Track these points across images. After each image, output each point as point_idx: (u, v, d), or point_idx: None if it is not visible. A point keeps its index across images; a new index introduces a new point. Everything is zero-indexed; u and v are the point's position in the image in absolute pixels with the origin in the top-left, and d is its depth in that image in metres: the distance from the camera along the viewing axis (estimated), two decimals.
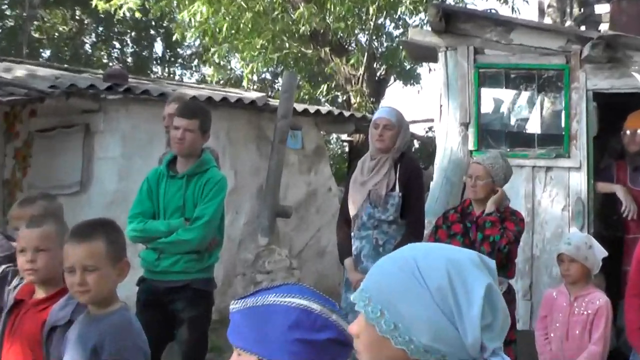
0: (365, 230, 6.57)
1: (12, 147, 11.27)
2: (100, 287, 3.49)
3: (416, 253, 1.94)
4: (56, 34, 28.58)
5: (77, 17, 28.47)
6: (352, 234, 6.69)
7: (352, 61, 16.97)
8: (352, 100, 16.73)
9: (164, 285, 5.87)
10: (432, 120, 11.49)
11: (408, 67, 21.50)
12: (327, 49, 17.08)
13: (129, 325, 3.57)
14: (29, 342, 3.94)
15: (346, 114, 13.03)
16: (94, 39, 30.12)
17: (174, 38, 19.76)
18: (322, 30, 16.50)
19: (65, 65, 15.93)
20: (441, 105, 9.32)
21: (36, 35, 27.29)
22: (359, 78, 16.84)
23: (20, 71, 11.51)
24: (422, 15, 17.89)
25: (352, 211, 6.67)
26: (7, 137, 11.36)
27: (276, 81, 25.14)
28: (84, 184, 10.05)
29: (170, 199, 5.98)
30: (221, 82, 22.04)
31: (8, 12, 27.45)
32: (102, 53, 29.35)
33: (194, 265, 5.89)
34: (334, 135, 18.49)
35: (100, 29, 29.44)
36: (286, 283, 2.41)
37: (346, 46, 17.94)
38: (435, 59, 9.54)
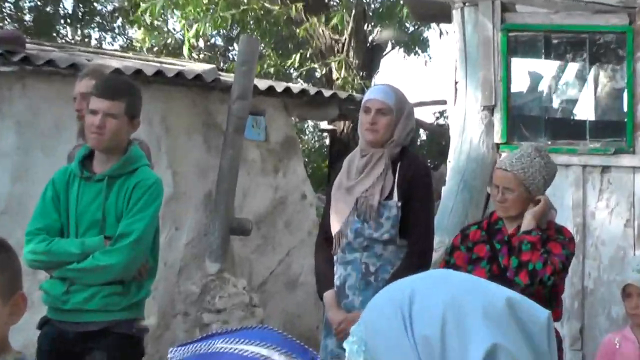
0: (351, 252, 6.42)
1: None
2: None
3: (419, 286, 1.89)
4: None
5: None
6: (335, 257, 6.54)
7: (334, 21, 16.85)
8: (335, 75, 16.65)
9: (76, 329, 5.81)
10: (444, 103, 11.35)
11: (411, 29, 21.44)
12: (299, 4, 16.90)
13: None
14: None
15: (326, 93, 12.82)
16: None
17: None
18: None
19: None
20: (456, 82, 9.25)
21: None
22: (343, 45, 16.75)
23: None
24: None
25: (334, 227, 6.52)
26: None
27: (230, 48, 25.13)
28: None
29: (84, 210, 5.90)
30: (155, 49, 22.04)
31: None
32: None
33: (118, 301, 5.82)
34: (310, 123, 18.39)
35: None
36: (244, 327, 2.48)
37: (326, 1, 17.83)
38: (448, 19, 9.49)
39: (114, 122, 5.79)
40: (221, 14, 16.69)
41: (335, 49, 16.76)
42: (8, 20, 28.13)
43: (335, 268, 6.52)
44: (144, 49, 21.16)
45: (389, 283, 2.30)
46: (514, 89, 8.87)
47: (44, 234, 5.82)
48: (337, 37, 16.71)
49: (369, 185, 6.39)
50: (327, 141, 20.63)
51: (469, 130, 8.79)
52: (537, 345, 1.78)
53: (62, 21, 30.20)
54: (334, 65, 16.68)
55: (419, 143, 20.76)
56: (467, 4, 8.88)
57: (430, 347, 1.75)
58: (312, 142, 25.50)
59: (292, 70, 19.60)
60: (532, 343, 1.78)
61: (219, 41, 24.79)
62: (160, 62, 12.20)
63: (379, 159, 6.41)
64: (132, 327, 5.88)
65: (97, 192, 5.88)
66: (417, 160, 6.88)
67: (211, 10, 16.78)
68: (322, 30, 16.62)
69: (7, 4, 29.61)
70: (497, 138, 8.67)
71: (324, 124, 16.67)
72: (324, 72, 17.28)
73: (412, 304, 1.81)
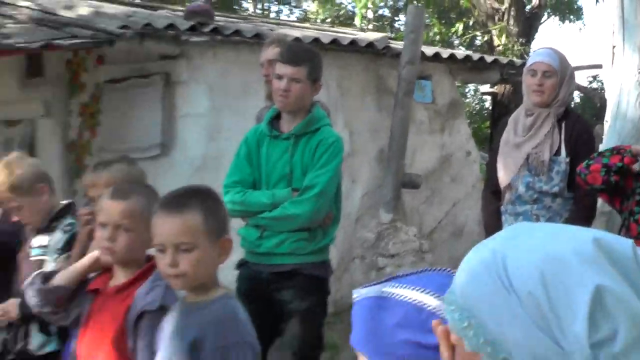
0: (522, 204, 6.44)
1: (77, 102, 11.47)
2: (197, 270, 3.53)
3: (507, 246, 1.76)
4: None
5: None
6: (503, 208, 6.57)
7: None
8: (496, 42, 16.52)
9: (269, 270, 5.91)
10: (599, 67, 11.10)
11: None
12: None
13: (234, 316, 3.62)
14: (112, 332, 4.04)
15: (488, 59, 12.82)
16: None
17: None
18: None
19: (138, 1, 16.14)
20: (614, 47, 9.07)
21: None
22: (503, 13, 16.61)
23: (83, 8, 11.48)
24: None
25: (503, 181, 6.53)
26: (71, 90, 11.54)
27: (397, 19, 25.07)
28: (166, 146, 10.22)
29: (274, 165, 5.96)
30: (328, 20, 22.10)
31: None
32: None
33: (305, 246, 5.88)
34: (472, 87, 18.27)
35: None
36: (421, 270, 2.37)
37: None
38: None
39: (298, 85, 5.82)
40: None
41: (496, 18, 16.58)
42: None
43: (503, 219, 6.54)
44: (318, 20, 21.23)
45: None
46: None
47: (240, 187, 5.93)
48: (497, 6, 16.51)
49: (538, 142, 6.37)
50: (487, 104, 20.51)
51: (626, 92, 8.62)
52: (632, 276, 1.67)
53: None
54: (494, 33, 16.52)
55: (572, 105, 20.42)
56: None
57: (536, 301, 1.64)
58: (473, 104, 25.27)
59: (454, 38, 19.46)
60: (627, 277, 1.67)
61: (387, 12, 24.66)
62: (335, 32, 12.28)
63: (545, 118, 6.40)
64: (318, 269, 5.96)
65: (284, 149, 5.94)
66: (580, 119, 6.89)
67: None
68: (484, 0, 16.43)
69: None
70: None
71: (485, 88, 16.52)
72: (485, 39, 17.10)
73: (506, 265, 1.70)
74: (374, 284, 2.35)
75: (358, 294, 2.36)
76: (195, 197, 3.65)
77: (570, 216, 6.28)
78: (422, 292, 2.22)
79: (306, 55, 6.05)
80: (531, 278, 1.65)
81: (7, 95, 11.84)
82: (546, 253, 1.67)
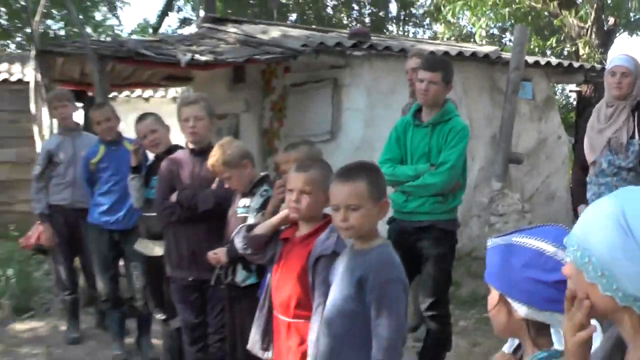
0: (604, 177, 6.32)
1: (269, 101, 11.68)
2: (362, 224, 3.52)
3: (626, 199, 1.79)
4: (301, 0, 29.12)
5: None
6: (589, 179, 6.44)
7: (580, 13, 16.36)
8: (581, 52, 16.12)
9: (412, 225, 5.87)
10: None
11: (635, 16, 20.72)
12: (555, 3, 16.47)
13: (389, 259, 3.59)
14: (297, 271, 4.10)
15: (575, 64, 12.57)
16: (335, 2, 30.45)
17: None
18: None
19: (314, 26, 16.24)
20: None
21: (283, 0, 27.87)
22: (587, 30, 16.24)
23: (274, 32, 11.78)
24: None
25: (590, 157, 6.40)
26: (265, 92, 11.79)
27: (504, 36, 24.67)
28: (334, 132, 10.27)
29: (416, 146, 5.92)
30: (451, 38, 21.86)
31: None
32: (342, 15, 29.64)
33: (439, 207, 5.83)
34: (560, 86, 17.82)
35: None
36: (540, 225, 2.37)
37: (576, 0, 17.29)
38: None
39: (435, 87, 5.79)
40: (500, 11, 16.48)
41: (581, 33, 16.25)
42: (354, 22, 28.47)
43: (588, 187, 6.42)
44: (444, 38, 21.03)
45: None
46: None
47: (390, 162, 5.92)
48: (582, 24, 16.17)
49: (617, 128, 6.27)
50: (572, 99, 20.10)
51: None
52: None
53: (390, 21, 30.30)
54: (580, 45, 16.16)
55: None
56: None
57: None
58: (561, 100, 24.80)
59: (548, 49, 19.05)
60: None
61: (496, 31, 24.28)
62: (460, 46, 12.11)
63: (622, 109, 6.28)
64: (449, 224, 5.91)
65: (424, 134, 5.90)
66: None
67: (494, 9, 16.56)
68: (572, 20, 16.09)
69: (354, 12, 30.00)
70: None
71: (572, 87, 16.17)
72: (573, 49, 16.70)
73: (626, 214, 1.73)
74: (504, 235, 2.37)
75: (491, 242, 2.38)
76: (362, 169, 3.64)
77: None
78: (541, 241, 2.24)
79: (441, 64, 6.03)
80: None
81: (218, 96, 12.09)
82: None
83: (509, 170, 10.40)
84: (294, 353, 4.07)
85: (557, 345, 2.21)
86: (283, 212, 4.40)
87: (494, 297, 2.34)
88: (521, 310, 2.25)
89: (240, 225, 4.78)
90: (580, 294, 1.85)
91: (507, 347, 2.51)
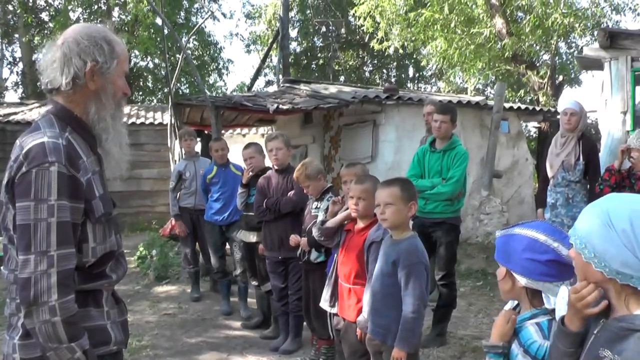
0: (559, 187, 6.32)
1: (328, 136, 11.55)
2: (394, 217, 3.53)
3: (610, 204, 1.83)
4: (348, 66, 29.15)
5: (360, 55, 28.95)
6: (549, 189, 6.41)
7: (540, 73, 16.19)
8: (540, 99, 15.81)
9: (429, 221, 5.77)
10: (595, 111, 10.80)
11: (573, 75, 20.80)
12: (523, 66, 16.19)
13: (416, 248, 3.57)
14: (356, 252, 4.13)
15: (537, 108, 12.29)
16: (371, 68, 30.45)
17: (421, 64, 19.74)
18: (520, 54, 15.65)
19: (359, 85, 16.26)
20: (606, 100, 8.70)
21: (336, 67, 27.95)
22: (544, 84, 15.97)
23: (332, 89, 11.82)
24: (587, 38, 16.93)
25: (549, 173, 6.38)
26: (326, 129, 11.66)
27: (487, 89, 24.31)
28: (373, 157, 10.14)
29: (432, 166, 5.84)
30: (450, 91, 21.67)
31: (319, 55, 28.33)
32: (376, 76, 29.62)
33: (448, 208, 5.75)
34: (526, 124, 17.53)
35: (375, 61, 29.84)
36: (532, 220, 2.43)
37: (536, 64, 17.01)
38: (600, 67, 8.90)
39: (445, 125, 5.73)
40: (486, 73, 16.37)
41: (540, 86, 15.98)
42: (384, 81, 28.36)
43: (548, 194, 6.40)
44: (445, 92, 20.87)
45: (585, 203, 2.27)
46: (637, 101, 8.34)
47: (414, 177, 5.79)
48: (541, 80, 15.94)
49: (568, 152, 6.26)
50: (534, 133, 19.78)
51: (613, 124, 8.36)
52: None
53: (408, 80, 30.18)
54: (539, 94, 15.89)
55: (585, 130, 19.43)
56: (612, 59, 8.46)
57: (626, 234, 1.74)
58: (527, 133, 24.39)
59: (517, 99, 18.77)
60: None
61: (480, 86, 23.91)
62: (458, 97, 11.91)
63: (572, 138, 6.29)
64: (455, 220, 5.82)
65: (437, 158, 5.81)
66: (590, 139, 6.67)
67: (482, 72, 16.43)
68: (534, 78, 15.87)
69: (384, 74, 29.96)
70: (628, 127, 8.20)
71: (534, 124, 15.86)
72: (535, 98, 16.40)
73: (609, 214, 1.79)
74: (508, 228, 2.41)
75: (499, 233, 2.42)
76: (398, 180, 3.73)
77: (588, 193, 6.19)
78: (535, 231, 2.29)
79: (449, 109, 5.99)
80: (624, 220, 1.75)
81: (294, 133, 12.09)
82: (632, 209, 1.77)
83: (493, 182, 10.21)
84: (352, 309, 4.13)
85: (547, 305, 2.27)
86: (346, 212, 4.42)
87: (501, 271, 2.36)
88: (522, 280, 2.29)
89: (314, 221, 4.88)
90: (580, 271, 1.89)
91: (508, 306, 2.45)
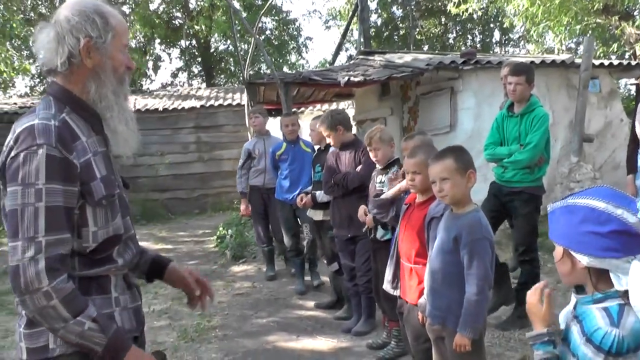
0: None
1: (406, 106, 11.20)
2: (453, 192, 3.22)
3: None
4: (430, 34, 28.43)
5: (442, 23, 28.19)
6: None
7: (637, 23, 14.95)
8: (637, 53, 14.68)
9: (507, 190, 5.40)
10: None
11: None
12: (616, 17, 14.98)
13: (479, 223, 3.22)
14: (417, 229, 3.82)
15: (633, 63, 11.33)
16: (454, 35, 29.59)
17: (504, 25, 18.86)
18: (612, 3, 14.46)
19: (436, 52, 15.70)
20: None
21: (418, 37, 27.31)
22: None
23: (407, 58, 11.42)
24: None
25: (639, 134, 5.63)
26: (403, 100, 11.29)
27: (578, 49, 23.05)
28: (452, 126, 9.68)
29: (510, 132, 5.44)
30: (539, 53, 20.69)
31: (400, 25, 27.75)
32: (461, 43, 28.71)
33: (528, 177, 5.33)
34: (622, 81, 16.38)
35: (458, 27, 28.98)
36: (589, 187, 2.08)
37: (632, 13, 15.76)
38: None
39: (520, 87, 5.29)
40: (573, 29, 15.30)
41: (638, 38, 14.82)
42: (469, 47, 27.43)
43: (638, 157, 5.55)
44: (535, 54, 19.88)
45: None
46: None
47: (492, 145, 5.51)
48: (638, 32, 14.75)
49: None
50: (633, 89, 18.59)
51: None
52: None
53: (495, 45, 29.08)
54: (636, 48, 14.73)
55: None
56: None
57: None
58: (623, 92, 22.90)
59: (612, 54, 17.46)
60: None
61: (572, 45, 22.66)
62: (543, 57, 11.17)
63: None
64: (535, 190, 5.36)
65: (515, 123, 5.39)
66: None
67: (568, 27, 15.39)
68: (630, 29, 14.68)
69: (468, 40, 29.01)
70: None
71: (632, 80, 14.74)
72: (631, 52, 15.27)
73: None
74: (560, 200, 2.08)
75: (550, 207, 2.10)
76: (448, 151, 3.35)
77: None
78: (592, 199, 1.95)
79: (523, 69, 5.45)
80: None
81: (371, 105, 11.98)
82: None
83: (583, 147, 9.54)
84: (414, 291, 3.81)
85: (618, 287, 1.91)
86: (399, 185, 4.25)
87: (558, 251, 2.04)
88: (583, 260, 1.95)
89: (375, 193, 4.79)
90: None
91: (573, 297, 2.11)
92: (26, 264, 1.83)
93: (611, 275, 1.92)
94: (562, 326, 2.20)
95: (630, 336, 1.84)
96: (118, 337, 1.96)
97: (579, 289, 2.07)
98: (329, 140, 5.72)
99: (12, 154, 1.88)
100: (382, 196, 4.25)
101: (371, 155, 4.99)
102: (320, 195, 5.95)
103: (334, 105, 18.61)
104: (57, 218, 1.87)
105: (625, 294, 1.89)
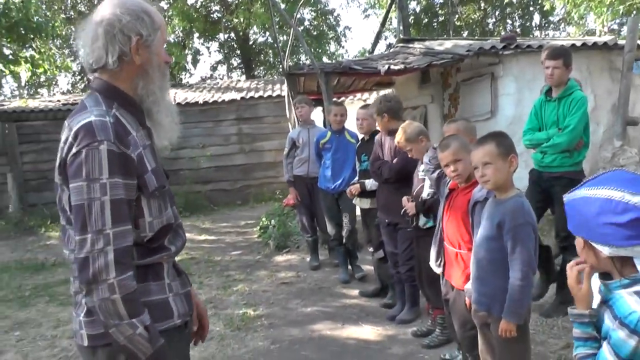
0: None
1: (447, 93, 11.12)
2: (496, 177, 3.20)
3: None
4: (469, 20, 28.06)
5: (481, 8, 27.80)
6: None
7: None
8: None
9: (547, 175, 5.35)
10: None
11: None
12: None
13: (522, 208, 3.20)
14: (461, 213, 3.82)
15: None
16: (494, 20, 29.15)
17: (545, 8, 18.47)
18: None
19: (476, 37, 15.50)
20: None
21: (457, 23, 27.00)
22: None
23: (447, 44, 11.33)
24: None
25: None
26: (444, 87, 11.22)
27: (622, 30, 22.48)
28: (493, 112, 9.56)
29: (548, 116, 5.37)
30: (580, 35, 20.26)
31: (439, 11, 27.44)
32: (500, 28, 28.29)
33: (567, 161, 5.25)
34: None
35: (497, 12, 28.55)
36: (602, 173, 2.03)
37: None
38: None
39: (558, 70, 5.23)
40: (616, 9, 14.90)
41: None
42: (509, 32, 26.99)
43: None
44: (576, 36, 19.47)
45: None
46: None
47: (531, 131, 5.46)
48: None
49: None
50: None
51: None
52: None
53: (535, 28, 28.58)
54: None
55: None
56: None
57: None
58: None
59: None
60: None
61: (615, 26, 22.09)
62: (584, 39, 10.92)
63: None
64: (575, 175, 5.22)
65: (553, 107, 5.32)
66: None
67: (611, 8, 15.00)
68: None
69: (508, 24, 28.53)
70: None
71: None
72: None
73: None
74: (575, 190, 2.04)
75: (566, 198, 2.07)
76: (490, 136, 3.32)
77: None
78: (608, 189, 1.90)
79: (560, 52, 5.36)
80: None
81: (411, 93, 11.93)
82: None
83: (627, 130, 9.32)
84: (460, 276, 3.82)
85: None
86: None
87: (579, 242, 2.04)
88: (605, 250, 1.94)
89: (421, 184, 4.78)
90: None
91: (595, 280, 2.12)
92: (96, 256, 1.90)
93: (635, 261, 1.92)
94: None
95: None
96: (161, 352, 2.01)
97: (605, 275, 2.06)
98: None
99: (74, 150, 1.94)
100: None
101: (409, 154, 5.03)
102: (370, 184, 5.98)
103: (374, 95, 18.67)
104: (121, 210, 1.94)
105: None
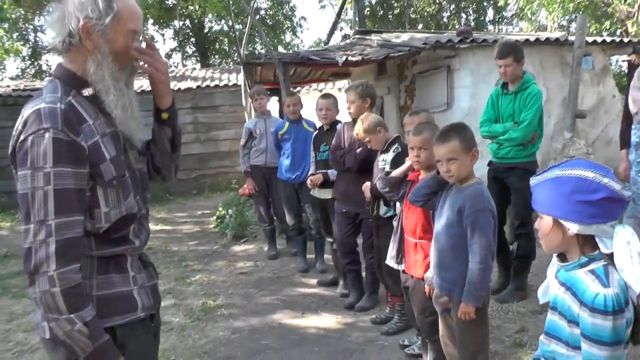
0: None
1: (403, 85, 11.25)
2: (460, 171, 3.30)
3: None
4: (425, 13, 28.33)
5: (436, 2, 28.09)
6: (633, 126, 5.62)
7: (628, 1, 14.97)
8: (629, 29, 14.71)
9: (503, 166, 5.50)
10: None
11: None
12: None
13: (481, 194, 3.31)
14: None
15: (625, 40, 11.41)
16: (448, 14, 29.49)
17: (499, 4, 18.78)
18: None
19: (432, 30, 15.68)
20: None
21: (412, 15, 27.22)
22: (634, 12, 14.82)
23: (404, 37, 11.45)
24: None
25: (632, 109, 5.54)
26: (400, 79, 11.35)
27: (571, 26, 23.02)
28: (449, 104, 9.71)
29: (504, 109, 5.51)
30: (532, 31, 20.67)
31: (395, 4, 27.58)
32: (455, 22, 28.64)
33: (521, 153, 5.41)
34: (614, 58, 16.42)
35: (452, 6, 28.88)
36: (565, 161, 2.17)
37: None
38: None
39: (509, 68, 5.37)
40: (566, 7, 15.31)
41: (629, 15, 14.84)
42: (463, 25, 27.33)
43: (632, 132, 5.60)
44: (528, 31, 19.88)
45: None
46: None
47: (487, 122, 5.57)
48: (630, 9, 14.76)
49: None
50: (624, 66, 18.60)
51: None
52: None
53: (488, 23, 29.06)
54: (628, 24, 14.78)
55: None
56: None
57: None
58: (615, 68, 22.89)
59: (604, 31, 17.48)
60: None
61: (564, 22, 22.62)
62: (537, 35, 11.19)
63: None
64: (529, 165, 5.40)
65: (510, 100, 5.46)
66: None
67: (561, 5, 15.38)
68: (621, 7, 14.72)
69: (462, 18, 28.88)
70: None
71: (623, 57, 14.77)
72: (623, 29, 15.32)
73: None
74: (542, 173, 2.18)
75: (535, 180, 2.20)
76: (453, 131, 3.36)
77: None
78: (580, 169, 2.04)
79: (509, 49, 5.45)
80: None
81: None
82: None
83: (576, 123, 9.59)
84: (419, 265, 3.89)
85: (604, 250, 2.04)
86: (408, 162, 4.15)
87: (547, 222, 2.14)
88: (573, 228, 2.06)
89: (381, 173, 4.62)
90: None
91: (555, 260, 2.26)
92: (37, 246, 1.85)
93: (597, 239, 2.06)
94: (542, 300, 2.33)
95: (621, 292, 1.97)
96: (106, 350, 1.94)
97: (561, 257, 2.20)
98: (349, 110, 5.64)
99: (21, 138, 1.89)
100: (392, 174, 4.22)
101: (368, 145, 5.07)
102: (333, 174, 5.98)
103: (329, 85, 18.69)
104: (67, 201, 1.88)
105: (609, 256, 2.04)
